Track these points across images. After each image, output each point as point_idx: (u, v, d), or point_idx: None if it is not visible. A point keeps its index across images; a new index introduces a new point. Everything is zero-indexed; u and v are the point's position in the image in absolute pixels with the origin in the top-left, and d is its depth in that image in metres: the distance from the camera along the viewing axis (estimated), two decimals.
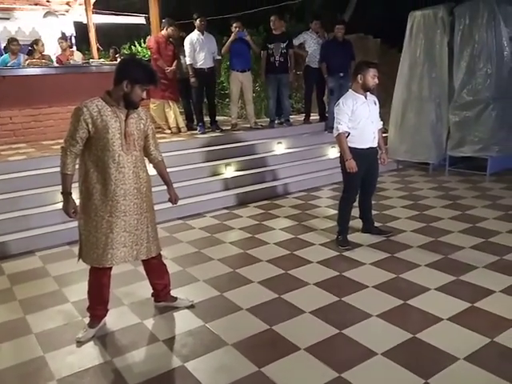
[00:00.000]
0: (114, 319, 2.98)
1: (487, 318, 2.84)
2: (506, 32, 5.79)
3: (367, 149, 3.90)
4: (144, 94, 2.62)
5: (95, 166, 2.60)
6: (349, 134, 3.83)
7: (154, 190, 2.91)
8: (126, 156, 2.63)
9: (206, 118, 6.98)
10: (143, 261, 2.91)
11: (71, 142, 2.56)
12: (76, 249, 3.29)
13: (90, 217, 2.65)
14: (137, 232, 2.74)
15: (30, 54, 7.34)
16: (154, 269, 2.99)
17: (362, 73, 3.76)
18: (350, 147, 3.83)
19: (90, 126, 2.54)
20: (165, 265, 3.05)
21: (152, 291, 3.11)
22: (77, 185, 2.70)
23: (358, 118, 3.80)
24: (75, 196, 2.71)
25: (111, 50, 9.44)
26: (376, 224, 4.35)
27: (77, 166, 2.67)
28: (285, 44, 6.65)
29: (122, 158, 2.61)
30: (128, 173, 2.65)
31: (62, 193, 2.68)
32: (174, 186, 2.93)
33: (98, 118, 2.54)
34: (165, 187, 3.04)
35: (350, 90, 3.91)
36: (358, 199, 4.19)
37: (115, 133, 2.58)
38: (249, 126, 7.07)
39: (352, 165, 3.80)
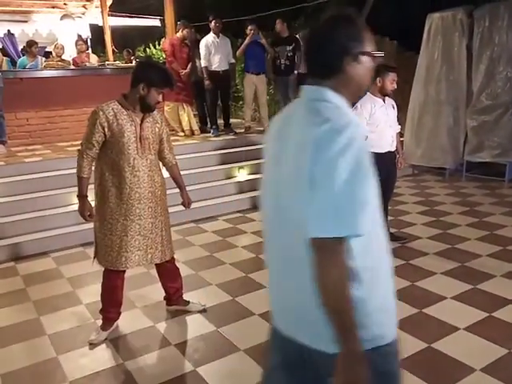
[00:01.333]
0: (126, 322, 2.98)
1: (505, 328, 2.77)
2: None
3: (386, 153, 3.84)
4: (160, 97, 2.62)
5: (110, 170, 2.61)
6: (366, 137, 3.77)
7: (167, 192, 2.90)
8: (141, 160, 2.64)
9: (220, 121, 6.98)
10: (156, 264, 2.91)
11: (87, 145, 2.58)
12: (90, 250, 3.30)
13: (105, 219, 2.65)
14: (151, 235, 2.73)
15: (47, 56, 7.44)
16: (168, 272, 2.98)
17: (381, 76, 3.71)
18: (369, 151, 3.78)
19: (106, 129, 2.55)
20: (178, 268, 3.05)
21: (164, 294, 3.11)
22: (92, 187, 2.71)
23: (377, 121, 3.75)
24: (91, 198, 2.73)
25: (125, 52, 9.52)
26: (391, 230, 4.28)
27: (93, 169, 2.69)
28: (291, 47, 6.62)
29: (137, 162, 2.62)
30: (143, 176, 2.65)
31: (77, 195, 2.70)
32: (187, 188, 2.92)
33: (114, 122, 2.55)
34: (177, 190, 3.03)
35: (368, 93, 3.86)
36: None
37: (131, 136, 2.58)
38: (262, 128, 7.05)
39: None
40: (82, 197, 2.69)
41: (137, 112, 2.62)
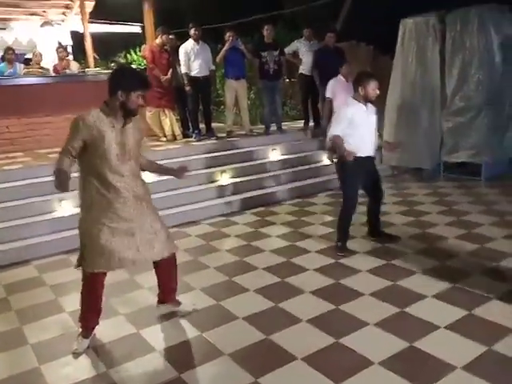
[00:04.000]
0: (109, 329, 2.97)
1: (484, 325, 2.83)
2: (496, 39, 5.88)
3: (365, 157, 3.92)
4: (141, 101, 2.65)
5: (94, 176, 2.65)
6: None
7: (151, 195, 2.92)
8: (123, 165, 2.67)
9: (202, 125, 7.00)
10: (154, 262, 2.92)
11: (67, 150, 2.61)
12: (72, 258, 3.27)
13: (93, 225, 2.67)
14: (141, 234, 2.75)
15: (27, 64, 7.37)
16: (164, 270, 2.99)
17: (362, 84, 3.78)
18: None
19: (86, 137, 2.58)
20: (176, 267, 3.06)
21: (158, 293, 3.11)
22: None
23: (358, 125, 3.81)
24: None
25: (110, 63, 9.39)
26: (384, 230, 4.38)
27: (76, 173, 2.69)
28: (277, 51, 6.73)
29: (119, 168, 2.66)
30: (126, 181, 2.69)
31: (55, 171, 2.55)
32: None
33: (94, 129, 2.58)
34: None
35: (350, 98, 3.92)
36: (367, 205, 4.25)
37: (111, 143, 2.62)
38: (244, 133, 7.10)
39: (351, 153, 3.72)
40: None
41: (118, 119, 2.66)
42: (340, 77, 6.01)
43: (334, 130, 3.84)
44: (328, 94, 6.17)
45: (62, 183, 2.55)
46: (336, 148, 3.91)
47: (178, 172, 3.08)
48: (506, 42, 5.94)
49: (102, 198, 2.65)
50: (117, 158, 2.64)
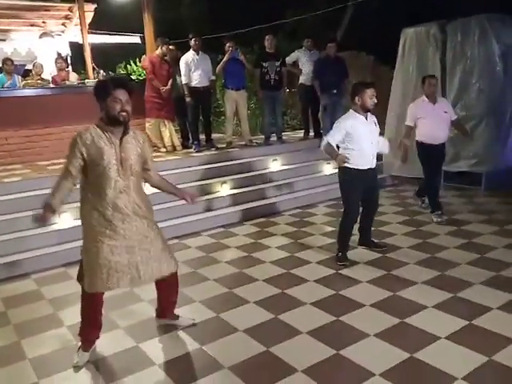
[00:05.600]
0: (109, 343, 2.95)
1: (485, 335, 2.82)
2: (497, 48, 5.90)
3: (366, 170, 3.91)
4: (124, 105, 2.55)
5: (93, 193, 2.62)
6: (338, 147, 3.88)
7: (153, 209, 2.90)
8: (123, 181, 2.64)
9: (202, 136, 7.02)
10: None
11: (67, 169, 2.61)
12: (71, 271, 3.23)
13: (91, 243, 2.65)
14: (140, 253, 2.70)
15: (27, 75, 7.39)
16: (166, 286, 2.97)
17: (359, 94, 3.78)
18: (349, 167, 3.85)
19: (85, 154, 2.56)
20: (177, 283, 3.03)
21: (156, 307, 3.10)
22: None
23: (359, 138, 3.81)
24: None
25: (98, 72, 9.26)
26: (373, 239, 4.37)
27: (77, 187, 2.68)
28: (279, 62, 6.77)
29: (119, 184, 2.62)
30: (126, 198, 2.65)
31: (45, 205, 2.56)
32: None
33: (93, 146, 2.56)
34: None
35: (350, 110, 3.93)
36: (359, 216, 4.21)
37: (111, 159, 2.59)
38: (244, 143, 7.12)
39: (342, 157, 3.75)
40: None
41: (116, 134, 2.63)
42: (423, 98, 4.94)
43: (329, 138, 3.86)
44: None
45: (41, 219, 2.54)
46: (327, 153, 3.93)
47: (188, 197, 2.99)
48: (507, 51, 5.96)
49: (101, 215, 2.61)
50: (117, 174, 2.60)
